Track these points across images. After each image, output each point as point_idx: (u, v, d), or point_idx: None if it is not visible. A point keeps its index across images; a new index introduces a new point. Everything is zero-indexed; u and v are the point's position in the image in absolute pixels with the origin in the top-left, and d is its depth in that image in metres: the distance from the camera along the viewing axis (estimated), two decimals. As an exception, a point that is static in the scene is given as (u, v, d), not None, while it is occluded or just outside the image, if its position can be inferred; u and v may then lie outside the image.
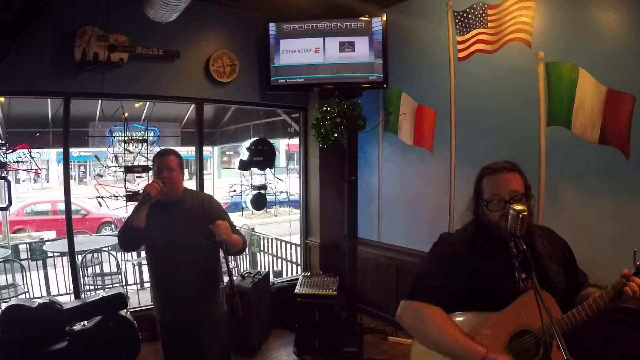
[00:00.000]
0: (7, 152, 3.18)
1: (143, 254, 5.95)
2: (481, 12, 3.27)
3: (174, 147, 2.56)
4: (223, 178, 12.79)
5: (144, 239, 2.15)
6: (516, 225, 1.31)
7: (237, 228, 2.27)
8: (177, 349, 2.24)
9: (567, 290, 1.47)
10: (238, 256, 5.08)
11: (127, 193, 3.52)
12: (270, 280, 4.31)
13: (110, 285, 4.72)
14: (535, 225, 1.57)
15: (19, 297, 4.28)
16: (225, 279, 2.37)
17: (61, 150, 3.49)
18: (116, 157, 3.59)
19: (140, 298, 4.92)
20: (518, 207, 1.32)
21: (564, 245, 1.59)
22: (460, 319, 1.42)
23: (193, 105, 4.13)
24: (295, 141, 4.79)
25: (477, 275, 1.41)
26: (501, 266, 1.42)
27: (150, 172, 3.63)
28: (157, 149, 3.76)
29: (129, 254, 6.19)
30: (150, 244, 2.19)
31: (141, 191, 3.11)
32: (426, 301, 1.41)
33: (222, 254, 2.12)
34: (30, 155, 3.31)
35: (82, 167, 15.75)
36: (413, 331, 1.48)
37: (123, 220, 2.21)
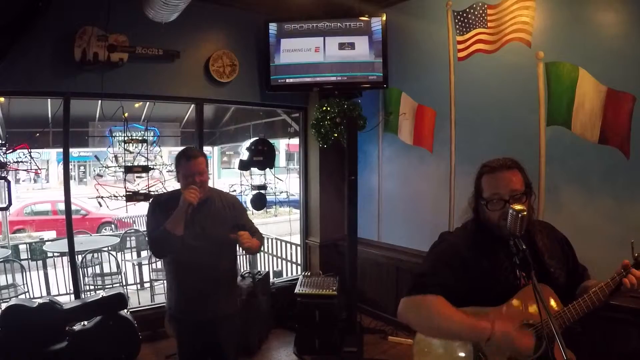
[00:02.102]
0: (7, 152, 3.18)
1: (143, 253, 5.96)
2: (481, 12, 3.27)
3: (164, 147, 2.53)
4: (223, 178, 12.80)
5: (179, 245, 2.10)
6: (516, 225, 1.31)
7: (257, 229, 2.35)
8: (196, 345, 2.25)
9: (567, 284, 1.48)
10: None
11: (127, 193, 3.52)
12: (270, 280, 4.31)
13: (110, 285, 4.72)
14: (536, 220, 1.57)
15: (19, 297, 4.28)
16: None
17: (61, 150, 3.48)
18: (116, 157, 3.59)
19: (140, 298, 4.92)
20: (517, 207, 1.32)
21: (564, 240, 1.59)
22: None
23: (193, 105, 4.13)
24: (295, 141, 4.79)
25: (478, 274, 1.42)
26: (502, 263, 1.43)
27: (151, 172, 3.63)
28: (157, 149, 3.78)
29: (129, 254, 6.23)
30: (185, 240, 2.16)
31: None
32: (426, 294, 1.41)
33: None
34: (30, 155, 3.31)
35: (82, 167, 15.75)
36: (416, 325, 1.47)
37: (142, 225, 2.21)
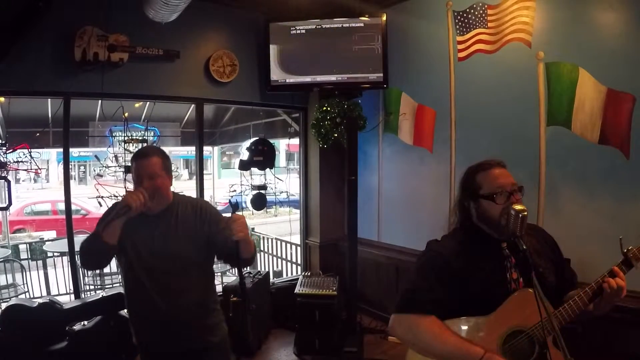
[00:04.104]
0: (7, 152, 3.18)
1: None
2: (481, 12, 3.27)
3: (164, 147, 2.14)
4: (223, 178, 12.80)
5: (112, 257, 1.76)
6: (516, 225, 1.31)
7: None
8: None
9: (557, 286, 1.48)
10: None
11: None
12: (270, 280, 4.31)
13: (110, 285, 4.72)
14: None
15: (19, 297, 4.28)
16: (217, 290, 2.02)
17: (61, 150, 3.48)
18: (116, 157, 3.59)
19: (140, 298, 4.92)
20: (518, 207, 1.33)
21: (552, 242, 1.59)
22: (452, 325, 1.41)
23: (193, 105, 4.13)
24: (295, 141, 4.79)
25: (468, 283, 1.40)
26: (492, 269, 1.42)
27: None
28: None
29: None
30: (131, 264, 1.75)
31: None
32: (419, 312, 1.40)
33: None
34: (30, 155, 3.31)
35: (82, 167, 15.74)
36: (408, 343, 1.47)
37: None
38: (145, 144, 3.61)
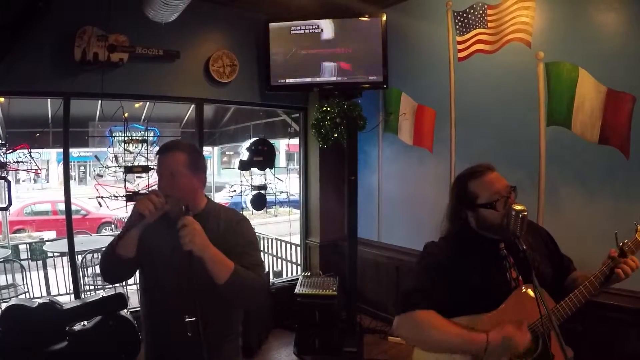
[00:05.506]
0: (7, 152, 3.18)
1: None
2: (481, 12, 3.27)
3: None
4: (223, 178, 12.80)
5: (133, 270, 1.56)
6: (517, 225, 1.32)
7: (258, 262, 1.53)
8: None
9: (554, 277, 1.49)
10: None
11: (127, 193, 3.52)
12: (270, 280, 4.31)
13: (110, 285, 4.71)
14: None
15: (19, 297, 4.28)
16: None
17: (61, 150, 3.48)
18: (116, 157, 3.59)
19: (140, 298, 4.91)
20: (518, 207, 1.33)
21: (546, 234, 1.60)
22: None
23: (193, 106, 4.13)
24: (295, 141, 4.79)
25: (468, 285, 1.41)
26: (492, 271, 1.43)
27: (151, 172, 3.61)
28: (157, 149, 3.76)
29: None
30: (153, 270, 1.54)
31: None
32: (418, 309, 1.39)
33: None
34: (30, 155, 3.31)
35: (82, 167, 15.74)
36: (413, 340, 1.46)
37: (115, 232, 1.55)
38: (144, 144, 3.60)
